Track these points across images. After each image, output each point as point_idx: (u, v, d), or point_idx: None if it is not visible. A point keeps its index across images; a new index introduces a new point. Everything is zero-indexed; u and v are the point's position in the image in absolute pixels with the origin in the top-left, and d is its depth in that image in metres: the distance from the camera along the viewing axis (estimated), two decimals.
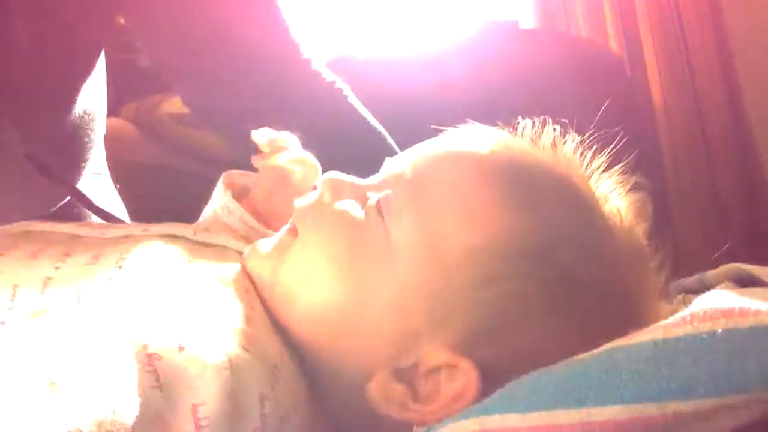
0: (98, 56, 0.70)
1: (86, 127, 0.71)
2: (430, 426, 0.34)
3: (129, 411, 0.29)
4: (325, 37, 1.55)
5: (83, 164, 0.74)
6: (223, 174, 0.59)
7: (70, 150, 0.71)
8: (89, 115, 0.71)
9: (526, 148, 0.45)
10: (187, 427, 0.31)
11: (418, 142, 0.47)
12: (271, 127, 0.70)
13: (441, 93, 1.08)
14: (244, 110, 0.72)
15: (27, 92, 0.62)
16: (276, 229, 0.48)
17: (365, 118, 0.76)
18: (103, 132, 0.76)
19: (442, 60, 1.18)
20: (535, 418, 0.31)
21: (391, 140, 0.74)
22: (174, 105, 1.23)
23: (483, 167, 0.43)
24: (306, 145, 0.66)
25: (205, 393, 0.32)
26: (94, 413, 0.28)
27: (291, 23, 0.73)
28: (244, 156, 0.60)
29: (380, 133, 0.75)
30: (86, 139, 0.72)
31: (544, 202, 0.41)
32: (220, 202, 0.56)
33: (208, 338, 0.36)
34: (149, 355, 0.33)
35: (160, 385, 0.32)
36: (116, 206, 0.86)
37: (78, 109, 0.68)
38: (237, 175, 0.58)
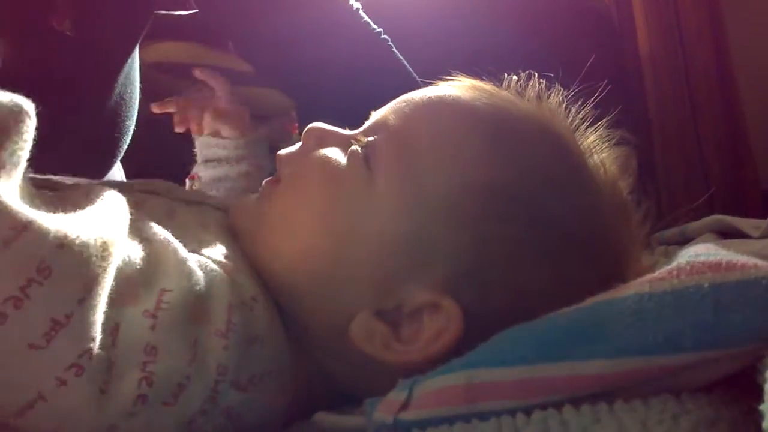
0: (137, 42, 0.70)
1: (122, 114, 0.71)
2: (415, 378, 0.34)
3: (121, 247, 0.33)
4: None
5: (117, 152, 0.75)
6: None
7: (104, 140, 0.72)
8: (125, 101, 0.71)
9: (510, 98, 0.45)
10: (148, 303, 0.33)
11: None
12: (320, 73, 0.72)
13: (427, 42, 1.06)
14: (294, 58, 0.72)
15: (71, 83, 0.62)
16: None
17: (408, 69, 0.77)
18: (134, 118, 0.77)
19: (428, 9, 1.15)
20: (523, 371, 0.31)
21: None
22: (153, 52, 1.20)
23: (466, 114, 0.43)
24: (351, 94, 0.67)
25: (175, 284, 0.34)
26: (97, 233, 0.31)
27: None
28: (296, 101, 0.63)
29: (419, 84, 0.76)
30: (121, 127, 0.72)
31: (527, 148, 0.42)
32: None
33: (194, 255, 0.38)
34: (143, 237, 0.36)
35: (144, 257, 0.34)
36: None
37: (114, 96, 0.68)
38: None
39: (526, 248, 0.39)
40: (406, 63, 0.77)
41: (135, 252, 0.34)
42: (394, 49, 0.77)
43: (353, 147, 0.43)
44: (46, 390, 0.29)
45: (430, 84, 0.47)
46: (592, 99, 0.46)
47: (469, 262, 0.39)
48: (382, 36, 0.77)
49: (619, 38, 1.43)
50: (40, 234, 0.29)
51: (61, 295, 0.29)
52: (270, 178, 0.47)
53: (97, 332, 0.30)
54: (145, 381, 0.32)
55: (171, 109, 0.78)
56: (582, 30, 1.26)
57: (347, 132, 0.46)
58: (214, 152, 0.74)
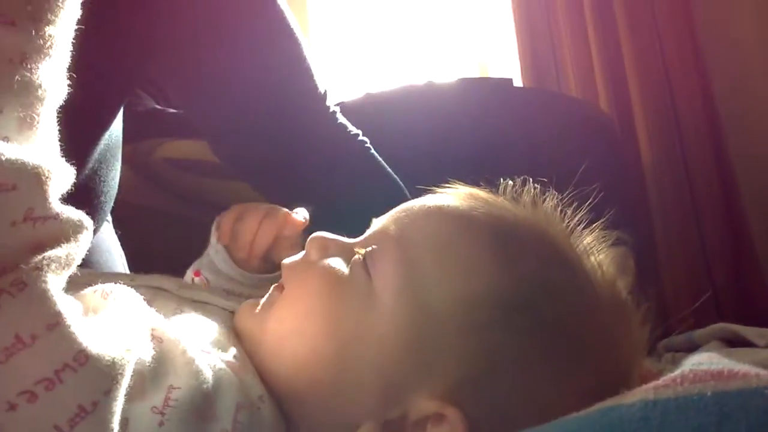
0: (112, 118, 0.69)
1: (95, 189, 0.70)
2: None
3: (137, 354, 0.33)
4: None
5: (105, 205, 0.73)
6: (216, 219, 0.61)
7: (90, 194, 0.70)
8: (99, 177, 0.70)
9: (506, 206, 0.46)
10: (156, 400, 0.33)
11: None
12: (295, 177, 0.70)
13: (436, 148, 1.10)
14: (268, 159, 0.73)
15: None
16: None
17: (388, 172, 0.78)
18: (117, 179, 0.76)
19: (437, 115, 1.19)
20: None
21: (408, 195, 0.75)
22: (170, 150, 1.24)
23: (464, 223, 0.44)
24: (325, 194, 0.66)
25: (184, 381, 0.35)
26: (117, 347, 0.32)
27: (318, 74, 0.74)
28: (270, 202, 0.61)
29: (401, 187, 0.77)
30: (95, 204, 0.70)
31: (525, 255, 0.42)
32: (212, 242, 0.60)
33: (204, 353, 0.39)
34: (154, 335, 0.36)
35: (155, 355, 0.35)
36: (117, 249, 0.86)
37: (86, 170, 0.67)
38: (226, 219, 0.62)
39: (529, 354, 0.39)
40: (383, 164, 0.79)
41: (146, 349, 0.35)
42: (372, 151, 0.79)
43: (356, 257, 0.44)
44: None
45: (429, 191, 0.49)
46: (593, 201, 0.47)
47: (473, 370, 0.39)
48: (360, 138, 0.78)
49: (620, 144, 1.47)
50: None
51: (91, 383, 0.30)
52: (276, 284, 0.48)
53: (117, 424, 0.31)
54: None
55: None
56: (585, 136, 1.30)
57: (349, 240, 0.47)
58: (234, 287, 0.62)
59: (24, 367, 0.28)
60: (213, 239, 0.63)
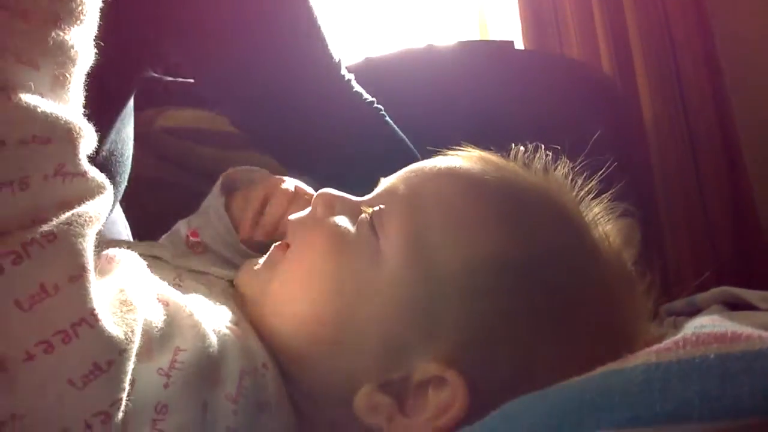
0: (128, 98, 0.70)
1: (112, 170, 0.71)
2: None
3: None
4: None
5: (120, 185, 0.74)
6: (223, 174, 0.60)
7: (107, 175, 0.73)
8: (115, 157, 0.71)
9: (517, 171, 0.46)
10: (163, 362, 0.33)
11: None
12: (312, 145, 0.70)
13: (437, 113, 1.09)
14: (288, 130, 0.73)
15: None
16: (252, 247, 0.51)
17: (402, 138, 0.79)
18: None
19: (437, 80, 1.18)
20: None
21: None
22: (170, 119, 1.23)
23: (475, 186, 0.43)
24: (345, 163, 0.66)
25: (191, 344, 0.35)
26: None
27: (331, 43, 0.74)
28: (288, 170, 0.61)
29: (416, 154, 0.77)
30: (111, 183, 0.73)
31: (534, 221, 0.42)
32: (214, 203, 0.59)
33: (207, 319, 0.38)
34: (160, 299, 0.36)
35: (163, 318, 0.35)
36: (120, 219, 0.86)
37: (104, 151, 0.68)
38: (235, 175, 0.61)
39: (533, 321, 0.39)
40: (398, 130, 0.79)
41: (155, 311, 0.35)
42: (387, 118, 0.79)
43: (363, 215, 0.43)
44: (73, 428, 0.29)
45: (439, 153, 0.48)
46: (598, 169, 0.47)
47: (477, 335, 0.39)
48: (375, 105, 0.79)
49: (622, 105, 1.46)
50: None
51: (107, 342, 0.30)
52: (278, 243, 0.48)
53: (128, 385, 0.31)
54: None
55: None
56: (587, 98, 1.29)
57: (356, 199, 0.46)
58: (232, 255, 0.61)
59: (44, 317, 0.29)
60: (217, 203, 0.62)
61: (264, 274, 0.46)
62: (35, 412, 0.29)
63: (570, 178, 0.47)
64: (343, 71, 0.76)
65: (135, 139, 0.77)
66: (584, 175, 0.47)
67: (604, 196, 0.46)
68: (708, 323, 0.34)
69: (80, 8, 0.32)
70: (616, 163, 0.47)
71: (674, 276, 1.44)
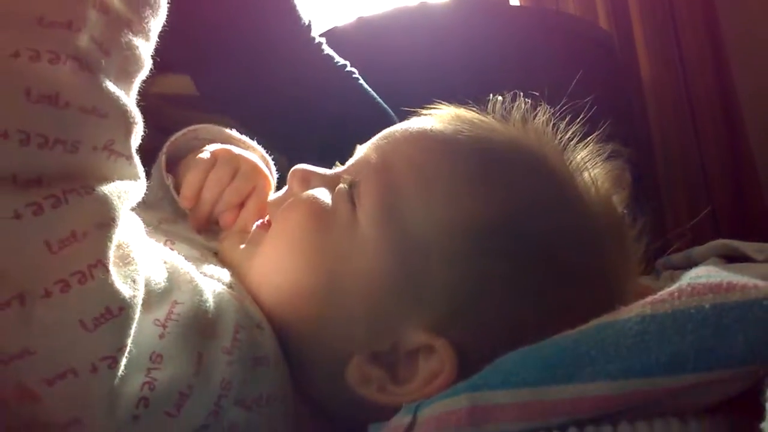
0: None
1: None
2: (419, 402, 0.34)
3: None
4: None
5: None
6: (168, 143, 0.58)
7: None
8: None
9: (493, 126, 0.44)
10: (160, 313, 0.34)
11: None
12: (280, 110, 0.69)
13: (431, 70, 1.07)
14: (256, 94, 0.72)
15: None
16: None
17: (377, 102, 0.78)
18: None
19: (431, 38, 1.16)
20: (526, 394, 0.31)
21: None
22: (163, 85, 1.21)
23: (449, 147, 0.42)
24: (318, 127, 0.65)
25: (188, 298, 0.36)
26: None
27: (301, 7, 0.73)
28: (255, 136, 0.60)
29: (391, 116, 0.76)
30: None
31: (512, 177, 0.41)
32: (159, 176, 0.56)
33: (204, 278, 0.39)
34: (159, 257, 0.37)
35: (163, 274, 0.36)
36: None
37: None
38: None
39: (518, 281, 0.39)
40: (372, 93, 0.78)
41: (155, 266, 0.35)
42: (360, 81, 0.78)
43: (339, 186, 0.43)
44: (80, 369, 0.30)
45: (414, 114, 0.47)
46: (588, 114, 0.45)
47: (462, 300, 0.39)
48: (347, 69, 0.78)
49: (620, 65, 1.44)
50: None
51: (120, 287, 0.31)
52: (259, 222, 0.47)
53: (133, 332, 0.31)
54: (147, 386, 0.32)
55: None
56: (583, 53, 1.27)
57: (331, 171, 0.46)
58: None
59: (68, 259, 0.29)
60: (167, 182, 0.56)
61: (247, 252, 0.46)
62: (46, 349, 0.29)
63: (551, 124, 0.45)
64: (313, 34, 0.74)
65: None
66: (566, 120, 0.45)
67: (590, 138, 0.44)
68: (704, 273, 0.33)
69: (148, 22, 0.35)
70: (607, 109, 0.46)
71: (670, 224, 1.45)
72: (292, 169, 0.46)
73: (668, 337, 0.30)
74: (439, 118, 0.45)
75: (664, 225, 1.43)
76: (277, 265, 0.43)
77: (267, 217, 0.48)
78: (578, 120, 0.45)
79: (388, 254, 0.40)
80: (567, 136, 0.45)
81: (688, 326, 0.30)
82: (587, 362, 0.31)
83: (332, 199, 0.43)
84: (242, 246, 0.47)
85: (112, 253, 0.31)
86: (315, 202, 0.43)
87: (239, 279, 0.44)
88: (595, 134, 0.45)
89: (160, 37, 0.38)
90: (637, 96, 1.54)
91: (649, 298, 0.32)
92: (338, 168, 0.46)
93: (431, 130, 0.43)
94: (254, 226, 0.47)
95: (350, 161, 0.46)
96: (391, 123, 0.72)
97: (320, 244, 0.41)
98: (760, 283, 0.31)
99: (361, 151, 0.45)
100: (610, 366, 0.30)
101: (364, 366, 0.39)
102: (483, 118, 0.45)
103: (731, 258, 0.68)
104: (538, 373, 0.32)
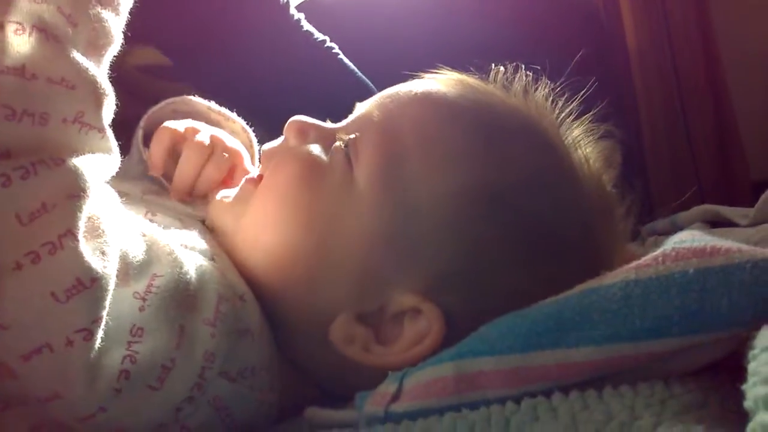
0: None
1: None
2: (405, 370, 0.34)
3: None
4: None
5: None
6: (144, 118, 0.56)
7: None
8: None
9: (495, 93, 0.44)
10: (139, 286, 0.34)
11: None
12: (261, 89, 0.69)
13: (417, 38, 1.06)
14: (235, 70, 0.72)
15: None
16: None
17: (358, 77, 0.78)
18: None
19: (416, 4, 1.15)
20: (512, 360, 0.31)
21: None
22: (140, 57, 1.19)
23: (451, 109, 0.42)
24: (297, 103, 0.65)
25: (167, 270, 0.35)
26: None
27: None
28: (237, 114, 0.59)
29: (373, 90, 0.76)
30: None
31: (511, 147, 0.41)
32: (137, 151, 0.55)
33: (187, 249, 0.39)
34: (137, 230, 0.36)
35: (141, 247, 0.35)
36: None
37: None
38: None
39: (510, 249, 0.39)
40: (353, 69, 0.78)
41: (132, 239, 0.35)
42: (341, 56, 0.78)
43: (337, 143, 0.42)
44: (55, 343, 0.29)
45: (416, 77, 0.46)
46: (581, 94, 0.46)
47: (452, 264, 0.38)
48: (326, 45, 0.78)
49: (606, 33, 1.43)
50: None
51: (90, 258, 0.30)
52: (249, 176, 0.46)
53: (108, 305, 0.31)
54: (129, 359, 0.32)
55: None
56: (569, 25, 1.26)
57: (330, 126, 0.45)
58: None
59: (38, 230, 0.29)
60: (144, 156, 0.54)
61: (236, 206, 0.44)
62: (19, 323, 0.29)
63: (551, 99, 0.45)
64: (293, 11, 0.74)
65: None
66: (566, 97, 0.45)
67: (585, 117, 0.45)
68: (688, 238, 0.33)
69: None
70: (599, 84, 0.46)
71: (657, 197, 1.45)
72: (289, 120, 0.45)
73: (652, 302, 0.30)
74: (443, 81, 0.45)
75: (649, 192, 1.43)
76: (268, 222, 0.42)
77: (257, 173, 0.47)
78: (571, 94, 0.45)
79: (384, 215, 0.39)
80: (564, 113, 0.45)
81: (672, 290, 0.30)
82: (572, 328, 0.31)
83: (329, 156, 0.42)
84: (231, 201, 0.45)
85: (82, 224, 0.31)
86: (311, 156, 0.42)
87: (226, 246, 0.43)
88: (591, 113, 0.45)
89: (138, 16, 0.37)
90: (624, 64, 1.53)
91: (634, 264, 0.32)
92: (337, 124, 0.45)
93: (435, 93, 0.43)
94: (243, 180, 0.46)
95: (350, 117, 0.45)
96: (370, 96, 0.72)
97: (314, 201, 0.41)
98: (744, 247, 0.31)
99: (362, 107, 0.45)
100: (595, 331, 0.30)
101: (349, 324, 0.39)
102: (486, 86, 0.45)
103: (715, 223, 0.69)
104: (523, 340, 0.32)
